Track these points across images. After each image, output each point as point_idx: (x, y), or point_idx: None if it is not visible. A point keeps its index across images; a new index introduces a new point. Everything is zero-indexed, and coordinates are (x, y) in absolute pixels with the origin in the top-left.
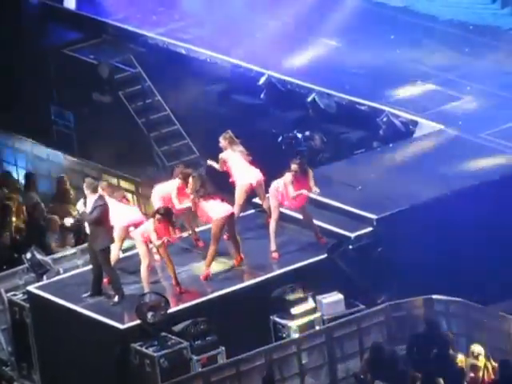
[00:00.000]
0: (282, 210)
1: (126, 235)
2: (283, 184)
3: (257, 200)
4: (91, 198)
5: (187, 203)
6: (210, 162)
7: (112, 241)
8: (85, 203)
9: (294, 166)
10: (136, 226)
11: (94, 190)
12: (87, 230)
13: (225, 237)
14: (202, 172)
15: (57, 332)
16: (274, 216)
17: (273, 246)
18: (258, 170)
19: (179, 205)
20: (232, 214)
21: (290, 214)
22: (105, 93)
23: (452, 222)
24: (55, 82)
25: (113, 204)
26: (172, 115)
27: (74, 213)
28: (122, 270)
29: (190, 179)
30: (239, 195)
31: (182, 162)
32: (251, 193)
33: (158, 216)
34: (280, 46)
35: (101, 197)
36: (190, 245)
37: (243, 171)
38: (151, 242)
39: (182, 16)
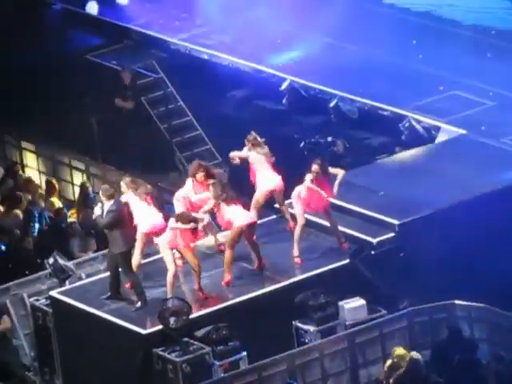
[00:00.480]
0: (307, 216)
1: (148, 241)
2: (304, 187)
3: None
4: (107, 204)
5: (204, 194)
6: (232, 154)
7: (131, 244)
8: (102, 208)
9: (314, 167)
10: (158, 231)
11: (110, 197)
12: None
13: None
14: (223, 177)
15: (79, 337)
16: (300, 222)
17: (296, 252)
18: (280, 177)
19: (195, 196)
20: (254, 222)
21: (312, 219)
22: (127, 98)
23: (474, 227)
24: (77, 87)
25: (136, 206)
26: (194, 121)
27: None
28: (145, 274)
29: (211, 186)
30: (257, 199)
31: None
32: (270, 199)
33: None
34: (301, 52)
35: (116, 201)
36: (213, 250)
37: (265, 176)
38: (177, 249)
39: (205, 22)
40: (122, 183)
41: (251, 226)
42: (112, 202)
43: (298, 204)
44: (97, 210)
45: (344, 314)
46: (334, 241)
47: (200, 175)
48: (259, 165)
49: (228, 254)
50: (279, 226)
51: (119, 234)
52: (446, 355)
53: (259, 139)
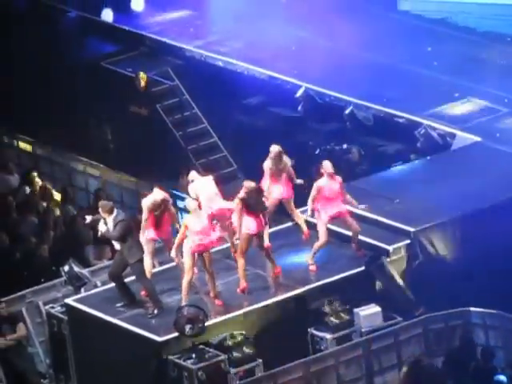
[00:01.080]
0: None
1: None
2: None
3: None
4: (110, 218)
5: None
6: None
7: (143, 251)
8: (105, 223)
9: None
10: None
11: (110, 211)
12: (116, 246)
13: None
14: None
15: (94, 344)
16: (321, 240)
17: (311, 259)
18: (286, 187)
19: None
20: (259, 231)
21: (328, 227)
22: (142, 105)
23: (490, 235)
24: (92, 94)
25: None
26: (209, 128)
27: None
28: (160, 282)
29: (250, 187)
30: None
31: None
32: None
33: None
34: (316, 59)
35: (119, 212)
36: (229, 257)
37: (273, 186)
38: (200, 254)
39: (220, 29)
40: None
41: (259, 234)
42: (114, 214)
43: (319, 220)
44: (101, 227)
45: (360, 321)
46: (350, 248)
47: None
48: (268, 174)
49: (240, 261)
50: (294, 233)
51: (132, 243)
52: (461, 362)
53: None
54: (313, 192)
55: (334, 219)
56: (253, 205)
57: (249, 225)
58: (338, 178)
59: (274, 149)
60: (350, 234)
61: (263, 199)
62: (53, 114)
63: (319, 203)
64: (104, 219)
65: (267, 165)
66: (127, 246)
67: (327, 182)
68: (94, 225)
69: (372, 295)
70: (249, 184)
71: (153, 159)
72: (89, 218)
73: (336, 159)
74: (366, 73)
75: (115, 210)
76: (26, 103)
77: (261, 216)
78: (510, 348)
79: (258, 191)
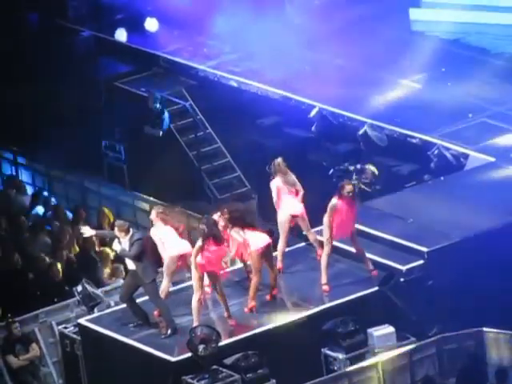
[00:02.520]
0: (334, 243)
1: (176, 267)
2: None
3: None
4: (126, 238)
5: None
6: None
7: (157, 272)
8: (120, 242)
9: (349, 187)
10: (183, 258)
11: (127, 231)
12: (129, 266)
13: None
14: (252, 205)
15: (108, 365)
16: (326, 250)
17: (324, 279)
18: (298, 204)
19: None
20: (269, 244)
21: (339, 246)
22: (156, 126)
23: (503, 255)
24: (106, 114)
25: (163, 234)
26: (223, 148)
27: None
28: (173, 302)
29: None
30: (281, 225)
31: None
32: (294, 225)
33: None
34: (330, 79)
35: (135, 232)
36: (242, 277)
37: (286, 203)
38: (211, 274)
39: (233, 49)
40: (152, 212)
41: (267, 249)
42: (130, 234)
43: (326, 230)
44: (116, 246)
45: (373, 342)
46: (363, 268)
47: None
48: (282, 191)
49: (255, 279)
50: (308, 253)
51: (148, 263)
52: (475, 383)
53: (281, 166)
54: (329, 213)
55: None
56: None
57: (256, 242)
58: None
59: (278, 160)
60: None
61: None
62: (66, 133)
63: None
64: (118, 238)
65: (275, 183)
66: (142, 266)
67: (343, 203)
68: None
69: (386, 315)
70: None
71: (166, 179)
72: (87, 231)
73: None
74: (380, 93)
75: (131, 230)
76: (40, 123)
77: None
78: None
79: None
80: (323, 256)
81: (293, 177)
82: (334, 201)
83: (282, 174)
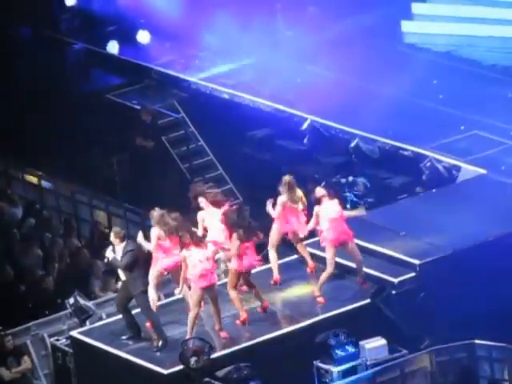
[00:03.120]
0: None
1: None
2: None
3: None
4: (120, 246)
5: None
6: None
7: (148, 283)
8: (113, 250)
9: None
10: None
11: (122, 239)
12: (121, 276)
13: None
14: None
15: (100, 377)
16: (329, 270)
17: (317, 292)
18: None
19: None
20: (247, 271)
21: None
22: (148, 138)
23: (495, 268)
24: (98, 126)
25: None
26: (215, 160)
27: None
28: (166, 314)
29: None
30: (272, 239)
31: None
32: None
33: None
34: (321, 92)
35: (130, 242)
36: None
37: (281, 219)
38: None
39: (225, 61)
40: (152, 218)
41: (244, 273)
42: (125, 242)
43: (328, 249)
44: (109, 253)
45: (365, 354)
46: (355, 280)
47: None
48: (286, 207)
49: (231, 294)
50: (300, 265)
51: (138, 274)
52: None
53: (290, 183)
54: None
55: (341, 244)
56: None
57: (238, 261)
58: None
59: (285, 178)
60: (354, 265)
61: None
62: (58, 146)
63: (322, 227)
64: (113, 246)
65: (281, 199)
66: (132, 277)
67: (325, 204)
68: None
69: (377, 328)
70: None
71: (158, 191)
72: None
73: (341, 192)
74: (372, 105)
75: (126, 239)
76: (32, 135)
77: (250, 251)
78: None
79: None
80: (323, 274)
81: (299, 194)
82: (316, 208)
83: (289, 191)
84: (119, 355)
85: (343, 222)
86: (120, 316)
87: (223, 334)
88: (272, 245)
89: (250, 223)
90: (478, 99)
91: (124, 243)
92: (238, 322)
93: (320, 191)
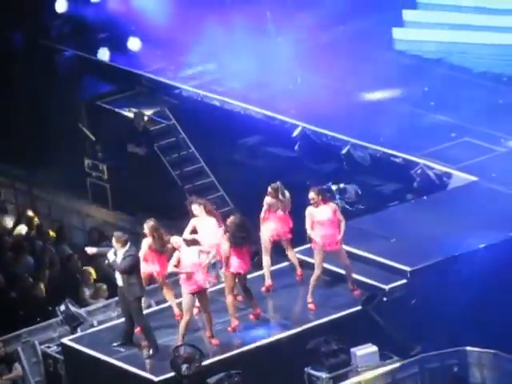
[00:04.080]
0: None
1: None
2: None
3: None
4: (122, 250)
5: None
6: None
7: (145, 290)
8: (115, 253)
9: (310, 194)
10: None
11: (124, 243)
12: (118, 282)
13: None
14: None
15: None
16: (317, 272)
17: (309, 298)
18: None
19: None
20: (244, 273)
21: (325, 266)
22: (140, 144)
23: (485, 274)
24: (89, 133)
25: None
26: (206, 167)
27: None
28: (157, 321)
29: (230, 221)
30: (264, 245)
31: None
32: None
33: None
34: (312, 98)
35: (131, 246)
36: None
37: (269, 222)
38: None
39: (216, 68)
40: (145, 226)
41: (241, 276)
42: (127, 247)
43: (317, 252)
44: (110, 256)
45: (356, 361)
46: (346, 287)
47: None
48: (271, 209)
49: (228, 299)
50: (291, 272)
51: (136, 279)
52: None
53: (276, 191)
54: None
55: (329, 248)
56: (235, 239)
57: (233, 263)
58: (332, 206)
59: (273, 184)
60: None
61: (246, 233)
62: (49, 153)
63: (313, 230)
64: (115, 250)
65: (267, 200)
66: (129, 283)
67: (316, 208)
68: (96, 257)
69: (368, 334)
70: (231, 219)
71: (149, 198)
72: (91, 250)
73: (333, 199)
74: (363, 112)
75: (128, 244)
76: (23, 142)
77: (247, 255)
78: None
79: (240, 225)
80: (313, 277)
81: (287, 198)
82: (307, 210)
83: (276, 196)
84: (110, 362)
85: (334, 226)
86: (111, 323)
87: (214, 341)
88: (265, 251)
89: (249, 233)
90: (469, 106)
91: (126, 248)
92: (229, 328)
93: (311, 196)
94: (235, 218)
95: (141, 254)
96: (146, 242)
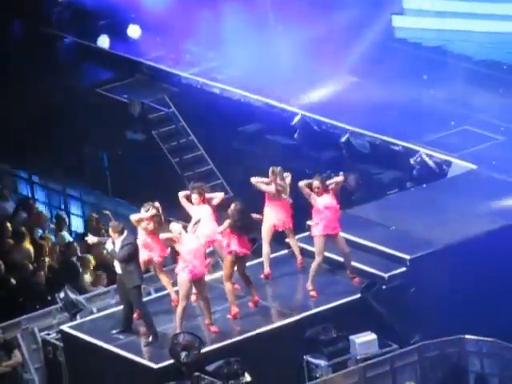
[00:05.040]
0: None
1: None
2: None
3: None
4: (119, 239)
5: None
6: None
7: (143, 278)
8: (113, 243)
9: (315, 183)
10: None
11: (121, 232)
12: (117, 269)
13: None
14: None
15: (90, 371)
16: (318, 259)
17: (310, 285)
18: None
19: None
20: (244, 255)
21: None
22: (138, 131)
23: (485, 262)
24: (89, 120)
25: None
26: (205, 155)
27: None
28: (156, 309)
29: (232, 208)
30: (264, 233)
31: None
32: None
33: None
34: (312, 86)
35: (129, 235)
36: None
37: (268, 210)
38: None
39: (216, 56)
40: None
41: (242, 258)
42: (124, 235)
43: (317, 239)
44: (108, 245)
45: (355, 349)
46: (345, 275)
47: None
48: (269, 197)
49: (226, 286)
50: (291, 260)
51: (134, 267)
52: None
53: (276, 174)
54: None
55: (329, 235)
56: (239, 226)
57: (233, 247)
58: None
59: (272, 168)
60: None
61: (248, 220)
62: (49, 140)
63: (314, 218)
64: (112, 239)
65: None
66: (128, 271)
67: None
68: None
69: (368, 322)
70: (234, 205)
71: (149, 186)
72: (91, 239)
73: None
74: (363, 100)
75: (125, 232)
76: (23, 130)
77: (246, 240)
78: (504, 376)
79: (242, 211)
80: (314, 264)
81: (285, 185)
82: (312, 199)
83: (275, 181)
84: (109, 349)
85: (335, 214)
86: (111, 310)
87: (213, 329)
88: (264, 238)
89: (251, 220)
90: (469, 94)
91: (123, 236)
92: (228, 316)
93: (315, 185)
94: (237, 205)
95: (139, 242)
96: (145, 227)
